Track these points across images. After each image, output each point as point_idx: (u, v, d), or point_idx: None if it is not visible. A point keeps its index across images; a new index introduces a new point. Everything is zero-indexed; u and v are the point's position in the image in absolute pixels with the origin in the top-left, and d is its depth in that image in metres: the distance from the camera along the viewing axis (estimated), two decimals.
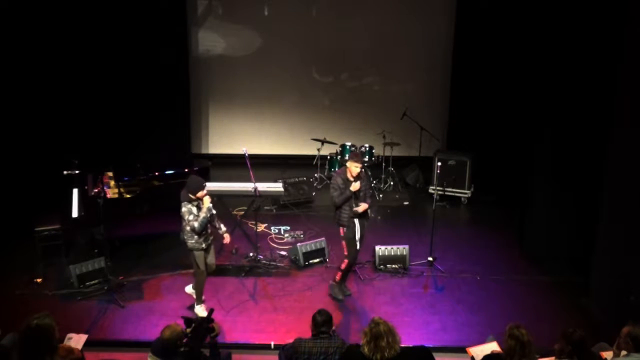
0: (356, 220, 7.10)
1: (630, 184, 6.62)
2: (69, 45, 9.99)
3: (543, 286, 7.75)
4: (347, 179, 6.98)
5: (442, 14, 11.74)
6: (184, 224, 6.65)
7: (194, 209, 6.60)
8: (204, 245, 6.76)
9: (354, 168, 6.89)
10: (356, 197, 7.01)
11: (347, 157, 10.58)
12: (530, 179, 8.57)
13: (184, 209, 6.59)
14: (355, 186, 6.90)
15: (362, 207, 7.03)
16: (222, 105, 12.22)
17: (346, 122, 12.03)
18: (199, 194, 6.60)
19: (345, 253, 7.21)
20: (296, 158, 12.08)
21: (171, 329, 4.76)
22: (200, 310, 6.97)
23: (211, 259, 6.97)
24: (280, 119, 12.24)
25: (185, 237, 6.73)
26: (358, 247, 7.21)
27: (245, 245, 8.52)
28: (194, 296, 7.14)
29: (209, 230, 6.83)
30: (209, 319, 4.80)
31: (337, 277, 7.35)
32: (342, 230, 7.16)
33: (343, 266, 7.29)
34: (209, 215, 6.65)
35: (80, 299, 7.23)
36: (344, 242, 7.19)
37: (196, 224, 6.54)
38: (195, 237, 6.66)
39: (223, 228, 7.03)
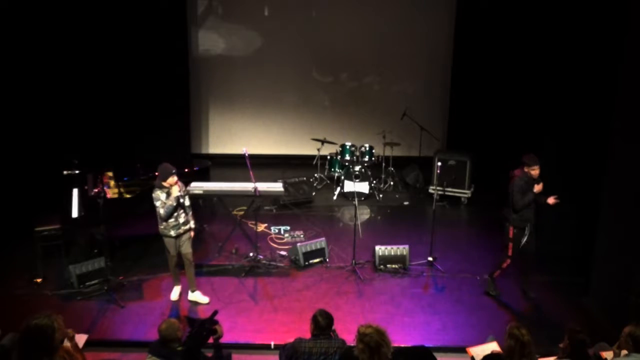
0: (528, 225, 7.14)
1: (630, 184, 6.62)
2: (69, 45, 9.98)
3: (543, 286, 7.75)
4: (530, 181, 6.99)
5: (442, 14, 11.75)
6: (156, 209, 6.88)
7: (163, 196, 6.80)
8: (172, 233, 6.92)
9: (532, 172, 6.94)
10: (536, 197, 7.04)
11: (347, 157, 10.60)
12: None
13: (153, 195, 6.84)
14: (538, 188, 6.97)
15: (554, 200, 7.00)
16: (222, 105, 12.23)
17: (346, 122, 12.03)
18: (169, 181, 6.78)
19: (510, 253, 7.23)
20: (296, 158, 12.08)
21: (167, 323, 4.76)
22: (176, 292, 7.22)
23: (185, 249, 7.07)
24: (280, 119, 12.24)
25: (158, 222, 6.93)
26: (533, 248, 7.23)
27: (245, 245, 8.52)
28: (199, 300, 7.19)
29: (182, 220, 6.94)
30: (212, 321, 4.79)
31: (496, 274, 7.41)
32: (511, 231, 7.17)
33: (504, 265, 7.33)
34: (175, 204, 6.81)
35: (80, 299, 7.22)
36: (511, 244, 7.20)
37: (162, 211, 6.77)
38: (164, 223, 6.87)
39: (192, 225, 7.15)
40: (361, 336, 4.28)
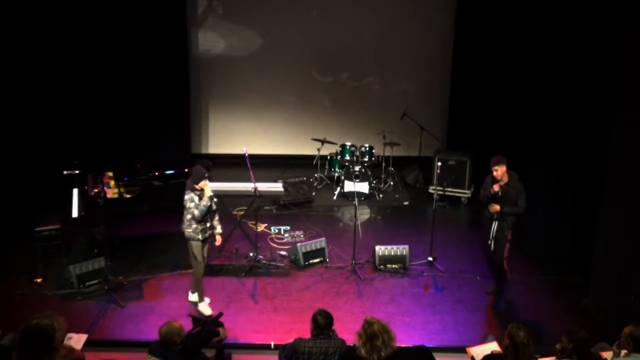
0: (494, 223, 7.16)
1: (630, 184, 6.63)
2: (69, 45, 9.97)
3: (543, 286, 7.75)
4: (495, 180, 7.09)
5: (442, 14, 11.73)
6: (185, 212, 6.78)
7: (196, 198, 6.74)
8: (200, 237, 6.87)
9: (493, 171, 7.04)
10: (495, 199, 7.08)
11: (347, 157, 10.61)
12: (530, 179, 8.56)
13: (186, 197, 6.76)
14: (494, 187, 7.07)
15: (493, 207, 7.10)
16: (222, 105, 12.22)
17: (346, 122, 12.03)
18: (201, 184, 6.74)
19: None
20: (296, 158, 12.07)
21: (168, 325, 4.78)
22: (205, 307, 7.00)
23: (205, 252, 7.05)
24: (280, 119, 12.23)
25: (184, 226, 6.86)
26: (492, 248, 7.23)
27: (245, 245, 8.52)
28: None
29: (209, 224, 6.91)
30: (216, 322, 4.80)
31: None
32: None
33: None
34: (209, 204, 6.77)
35: (80, 299, 7.23)
36: None
37: (196, 212, 6.69)
38: (194, 226, 6.79)
39: (218, 229, 7.11)
40: (365, 323, 4.60)
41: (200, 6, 11.74)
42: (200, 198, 6.76)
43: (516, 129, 9.99)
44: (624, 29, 6.68)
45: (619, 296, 6.75)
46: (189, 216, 6.76)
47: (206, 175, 6.81)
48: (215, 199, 6.93)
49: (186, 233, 6.86)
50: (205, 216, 6.80)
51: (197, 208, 6.70)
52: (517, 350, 4.59)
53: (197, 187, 6.75)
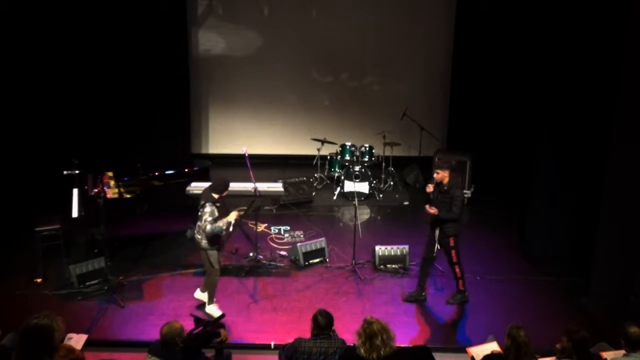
0: (437, 229, 7.14)
1: (630, 184, 6.63)
2: (69, 45, 9.99)
3: (543, 286, 7.75)
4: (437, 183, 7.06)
5: (442, 14, 11.74)
6: (200, 223, 6.68)
7: (216, 211, 6.64)
8: (217, 245, 6.85)
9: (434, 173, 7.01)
10: (430, 201, 7.07)
11: (347, 157, 10.62)
12: (530, 179, 8.57)
13: (207, 209, 6.60)
14: (428, 186, 7.11)
15: (429, 209, 6.97)
16: (222, 105, 12.22)
17: (346, 122, 12.03)
18: (223, 194, 6.68)
19: None
20: (296, 158, 12.07)
21: (169, 326, 4.78)
22: (214, 310, 6.97)
23: (220, 258, 7.02)
24: (280, 119, 12.24)
25: (200, 237, 6.76)
26: (435, 253, 7.25)
27: (245, 245, 8.52)
28: (204, 300, 7.14)
29: (224, 233, 6.87)
30: (217, 323, 4.80)
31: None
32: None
33: None
34: (225, 228, 6.69)
35: (80, 299, 7.22)
36: None
37: (209, 227, 6.55)
38: (207, 238, 6.72)
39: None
40: (364, 322, 4.60)
41: (200, 6, 11.75)
42: (219, 210, 6.68)
43: (516, 129, 10.01)
44: (625, 27, 6.68)
45: (619, 296, 6.75)
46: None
47: (229, 184, 6.75)
48: (232, 226, 6.84)
49: (203, 244, 6.76)
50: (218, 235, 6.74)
51: (211, 224, 6.56)
52: (519, 349, 4.59)
53: (216, 196, 6.66)
